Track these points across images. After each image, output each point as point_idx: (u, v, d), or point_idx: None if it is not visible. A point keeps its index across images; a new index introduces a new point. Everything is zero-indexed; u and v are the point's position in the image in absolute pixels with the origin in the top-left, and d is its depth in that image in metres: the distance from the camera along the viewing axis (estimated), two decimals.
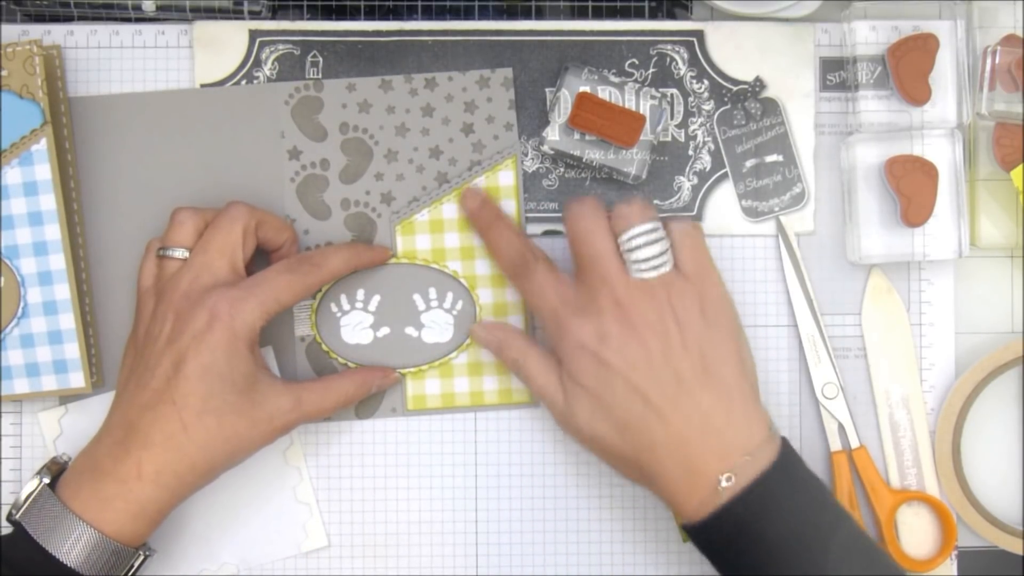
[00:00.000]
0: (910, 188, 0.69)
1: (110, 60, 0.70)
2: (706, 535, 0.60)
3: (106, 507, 0.59)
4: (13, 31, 0.69)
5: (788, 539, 0.58)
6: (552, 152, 0.69)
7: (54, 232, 0.67)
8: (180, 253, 0.64)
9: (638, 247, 0.62)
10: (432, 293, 0.70)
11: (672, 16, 0.72)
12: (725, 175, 0.70)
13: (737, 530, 0.59)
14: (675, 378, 0.60)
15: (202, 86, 0.70)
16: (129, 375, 0.63)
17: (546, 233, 0.70)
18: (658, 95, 0.68)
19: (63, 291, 0.67)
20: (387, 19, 0.71)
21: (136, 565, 0.61)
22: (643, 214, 0.62)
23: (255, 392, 0.62)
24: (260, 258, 0.67)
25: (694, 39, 0.71)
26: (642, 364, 0.61)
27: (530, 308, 0.65)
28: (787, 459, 0.60)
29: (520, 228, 0.69)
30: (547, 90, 0.70)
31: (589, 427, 0.62)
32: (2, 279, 0.67)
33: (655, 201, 0.70)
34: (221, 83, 0.70)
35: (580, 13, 0.72)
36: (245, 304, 0.61)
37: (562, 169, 0.70)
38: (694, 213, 0.70)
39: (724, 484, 0.59)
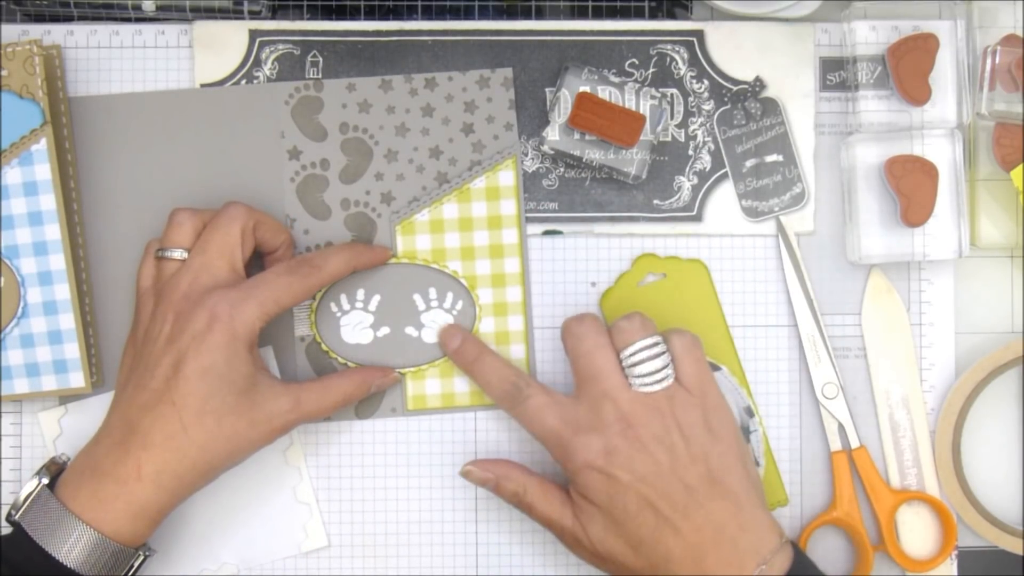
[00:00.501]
0: (910, 188, 0.69)
1: (110, 60, 0.70)
2: None
3: (106, 508, 0.59)
4: (13, 31, 0.69)
5: None
6: (552, 152, 0.69)
7: (54, 232, 0.67)
8: (179, 254, 0.64)
9: (640, 362, 0.62)
10: (432, 293, 0.70)
11: (672, 16, 0.72)
12: (725, 175, 0.70)
13: None
14: (685, 490, 0.60)
15: (202, 86, 0.70)
16: (128, 376, 0.63)
17: (546, 233, 0.70)
18: (658, 95, 0.68)
19: (63, 291, 0.67)
20: (387, 19, 0.71)
21: (136, 565, 0.61)
22: (644, 329, 0.63)
23: (255, 393, 0.62)
24: (255, 261, 0.67)
25: (694, 39, 0.71)
26: (651, 477, 0.60)
27: (531, 433, 0.64)
28: (801, 565, 0.60)
29: (506, 360, 0.68)
30: (547, 90, 0.70)
31: (602, 545, 0.61)
32: (2, 279, 0.67)
33: (655, 201, 0.70)
34: (221, 83, 0.70)
35: (580, 13, 0.72)
36: (245, 305, 0.61)
37: (562, 169, 0.70)
38: (694, 213, 0.70)
39: None
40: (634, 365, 0.62)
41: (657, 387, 0.62)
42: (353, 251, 0.67)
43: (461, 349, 0.68)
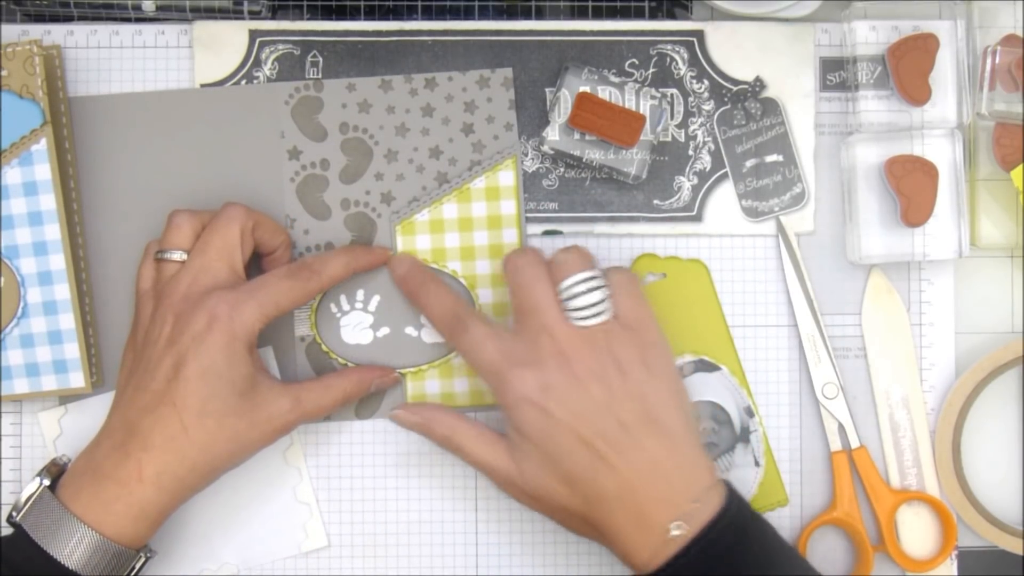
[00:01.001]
0: (910, 188, 0.69)
1: (110, 60, 0.70)
2: None
3: (107, 509, 0.59)
4: (13, 31, 0.69)
5: None
6: (552, 152, 0.69)
7: (54, 232, 0.67)
8: (178, 255, 0.64)
9: (577, 295, 0.62)
10: None
11: (672, 16, 0.72)
12: (725, 175, 0.70)
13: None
14: (620, 426, 0.60)
15: (202, 86, 0.70)
16: (128, 377, 0.63)
17: (546, 233, 0.70)
18: (658, 95, 0.68)
19: (63, 291, 0.67)
20: (387, 19, 0.71)
21: (137, 567, 0.61)
22: (582, 262, 0.62)
23: (255, 393, 0.62)
24: (253, 263, 0.67)
25: (694, 39, 0.71)
26: (587, 413, 0.60)
27: (469, 364, 0.64)
28: (735, 503, 0.60)
29: (450, 287, 0.67)
30: (547, 90, 0.70)
31: (536, 482, 0.61)
32: (2, 279, 0.67)
33: (655, 201, 0.70)
34: (221, 83, 0.70)
35: (580, 13, 0.72)
36: (244, 307, 0.61)
37: (562, 169, 0.70)
38: (694, 213, 0.70)
39: (675, 532, 0.58)
40: (571, 298, 0.62)
41: (594, 320, 0.61)
42: (352, 254, 0.67)
43: (407, 275, 0.67)
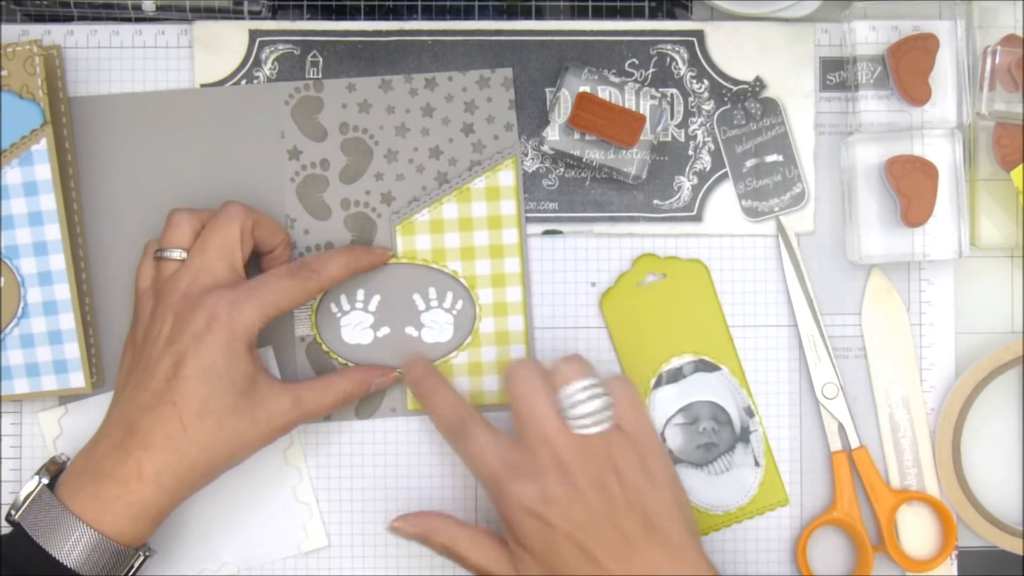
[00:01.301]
0: (910, 188, 0.69)
1: (110, 60, 0.70)
2: None
3: (106, 508, 0.59)
4: (13, 31, 0.69)
5: None
6: (552, 152, 0.69)
7: (54, 232, 0.67)
8: (178, 254, 0.64)
9: (578, 403, 0.61)
10: (432, 293, 0.70)
11: (672, 16, 0.72)
12: (725, 175, 0.70)
13: None
14: (622, 537, 0.59)
15: (202, 86, 0.70)
16: (128, 376, 0.63)
17: (546, 233, 0.70)
18: (658, 95, 0.68)
19: (63, 291, 0.67)
20: (387, 19, 0.71)
21: (136, 566, 0.61)
22: (582, 370, 0.62)
23: (255, 392, 0.62)
24: (252, 262, 0.67)
25: (694, 39, 0.71)
26: (588, 525, 0.59)
27: (470, 470, 0.64)
28: None
29: (458, 393, 0.67)
30: (547, 90, 0.70)
31: None
32: (2, 279, 0.67)
33: (655, 201, 0.70)
34: (221, 83, 0.70)
35: (580, 13, 0.72)
36: (244, 305, 0.61)
37: (562, 169, 0.70)
38: (694, 213, 0.70)
39: None
40: (572, 406, 0.61)
41: (595, 429, 0.61)
42: (352, 254, 0.67)
43: (421, 377, 0.67)
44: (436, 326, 0.70)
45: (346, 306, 0.69)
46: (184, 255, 0.64)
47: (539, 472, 0.60)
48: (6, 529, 0.61)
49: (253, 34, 0.70)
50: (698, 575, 0.59)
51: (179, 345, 0.60)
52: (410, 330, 0.70)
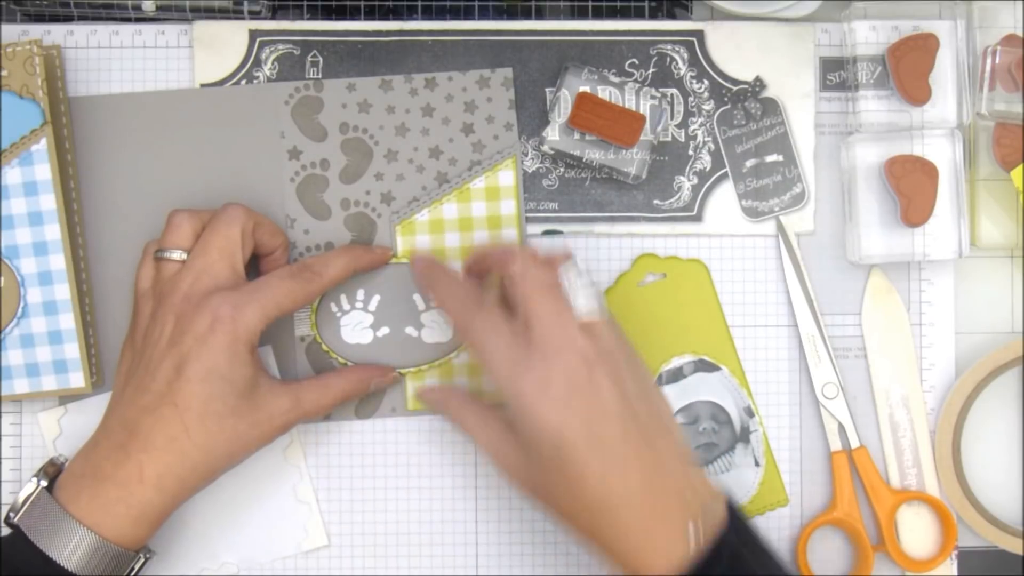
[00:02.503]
0: (910, 188, 0.69)
1: (110, 60, 0.70)
2: None
3: (107, 511, 0.59)
4: (13, 31, 0.69)
5: None
6: (552, 152, 0.69)
7: (54, 232, 0.67)
8: (178, 255, 0.63)
9: (579, 281, 0.61)
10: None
11: (672, 16, 0.72)
12: (725, 175, 0.70)
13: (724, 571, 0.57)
14: (635, 425, 0.58)
15: (202, 86, 0.70)
16: (127, 378, 0.63)
17: (546, 233, 0.70)
18: (658, 95, 0.68)
19: (63, 291, 0.67)
20: (387, 19, 0.71)
21: (136, 568, 0.61)
22: (565, 253, 0.62)
23: (255, 394, 0.62)
24: (251, 264, 0.67)
25: (694, 39, 0.71)
26: (600, 413, 0.58)
27: (481, 358, 0.61)
28: (735, 505, 0.59)
29: (466, 283, 0.66)
30: (547, 90, 0.70)
31: (543, 478, 0.59)
32: (2, 279, 0.67)
33: (655, 201, 0.70)
34: (221, 83, 0.70)
35: (580, 13, 0.72)
36: (247, 308, 0.61)
37: (562, 169, 0.70)
38: (694, 213, 0.70)
39: (691, 533, 0.57)
40: (572, 286, 0.61)
41: (596, 304, 0.60)
42: (353, 254, 0.67)
43: (429, 271, 0.66)
44: (436, 326, 0.70)
45: (346, 306, 0.69)
46: (185, 256, 0.63)
47: (563, 355, 0.58)
48: (5, 530, 0.61)
49: (253, 34, 0.70)
50: (698, 469, 0.60)
51: (181, 347, 0.60)
52: (410, 330, 0.70)
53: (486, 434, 0.63)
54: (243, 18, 0.70)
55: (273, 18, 0.71)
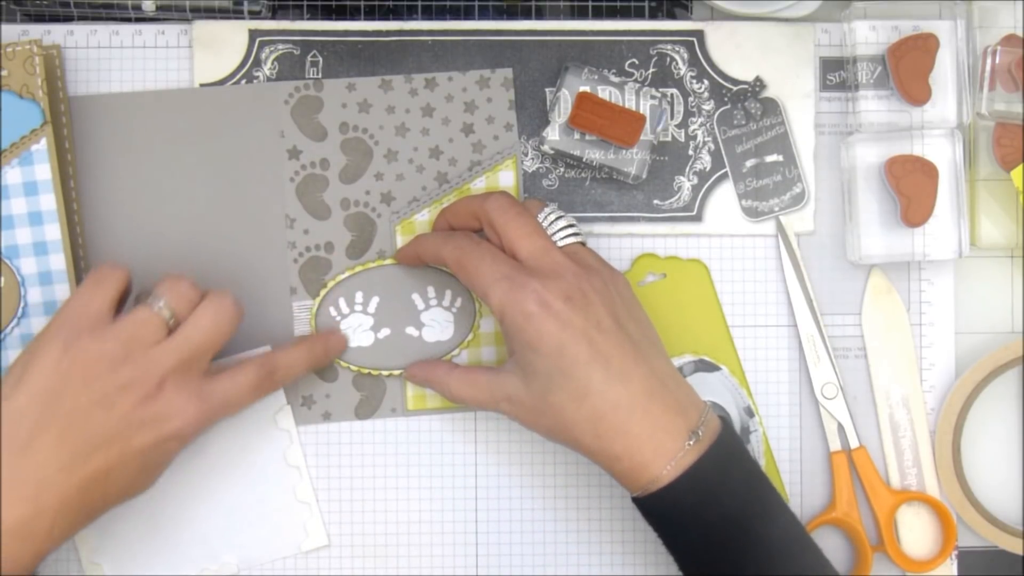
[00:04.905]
0: (910, 188, 0.69)
1: (110, 60, 0.70)
2: (675, 496, 0.59)
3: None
4: (13, 31, 0.69)
5: (749, 496, 0.60)
6: (552, 152, 0.69)
7: (54, 232, 0.67)
8: (165, 313, 0.61)
9: (558, 218, 0.64)
10: (431, 292, 0.70)
11: (672, 16, 0.72)
12: (725, 175, 0.70)
13: (710, 486, 0.59)
14: (630, 341, 0.61)
15: (202, 86, 0.70)
16: (64, 382, 0.59)
17: None
18: (658, 95, 0.68)
19: (63, 291, 0.67)
20: (387, 19, 0.71)
21: None
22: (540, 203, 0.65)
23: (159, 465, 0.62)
24: None
25: (694, 39, 0.71)
26: (600, 328, 0.60)
27: (480, 286, 0.62)
28: (726, 417, 0.64)
29: (448, 233, 0.67)
30: (547, 90, 0.70)
31: (546, 398, 0.60)
32: (2, 279, 0.67)
33: (655, 201, 0.70)
34: (221, 83, 0.70)
35: (580, 13, 0.72)
36: (206, 421, 0.61)
37: (562, 169, 0.70)
38: (694, 213, 0.70)
39: (690, 442, 0.59)
40: (552, 222, 0.64)
41: (576, 239, 0.64)
42: (308, 350, 0.67)
43: (411, 249, 0.68)
44: (436, 324, 0.70)
45: (345, 309, 0.69)
46: (167, 314, 0.61)
47: (556, 274, 0.61)
48: None
49: (253, 34, 0.70)
50: (689, 385, 0.62)
51: (130, 425, 0.59)
52: (411, 330, 0.70)
53: (475, 390, 0.64)
54: (243, 18, 0.70)
55: (273, 18, 0.71)
